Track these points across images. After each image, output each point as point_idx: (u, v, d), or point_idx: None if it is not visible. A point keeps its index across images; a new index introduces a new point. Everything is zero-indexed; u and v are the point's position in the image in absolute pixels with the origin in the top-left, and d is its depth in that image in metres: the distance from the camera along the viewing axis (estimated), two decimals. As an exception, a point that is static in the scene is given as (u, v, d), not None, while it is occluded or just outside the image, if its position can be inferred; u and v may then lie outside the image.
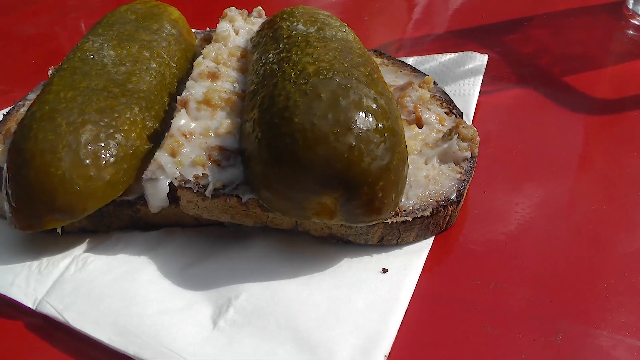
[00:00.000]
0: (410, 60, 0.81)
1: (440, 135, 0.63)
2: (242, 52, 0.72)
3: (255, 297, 0.51)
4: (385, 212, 0.51)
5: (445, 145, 0.60)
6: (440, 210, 0.56)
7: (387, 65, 0.76)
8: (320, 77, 0.52)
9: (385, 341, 0.48)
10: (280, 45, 0.61)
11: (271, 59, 0.59)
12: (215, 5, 1.08)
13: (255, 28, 0.78)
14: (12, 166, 0.57)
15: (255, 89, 0.57)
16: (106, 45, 0.68)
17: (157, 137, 0.63)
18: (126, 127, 0.59)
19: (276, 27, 0.67)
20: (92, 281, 0.54)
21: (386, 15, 1.01)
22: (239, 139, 0.57)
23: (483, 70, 0.77)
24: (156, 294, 0.52)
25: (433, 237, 0.58)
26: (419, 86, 0.69)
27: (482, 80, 0.77)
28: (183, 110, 0.59)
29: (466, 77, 0.77)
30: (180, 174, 0.54)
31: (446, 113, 0.67)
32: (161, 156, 0.55)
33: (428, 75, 0.72)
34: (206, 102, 0.60)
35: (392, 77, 0.73)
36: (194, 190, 0.54)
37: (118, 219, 0.60)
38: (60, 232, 0.57)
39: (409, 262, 0.55)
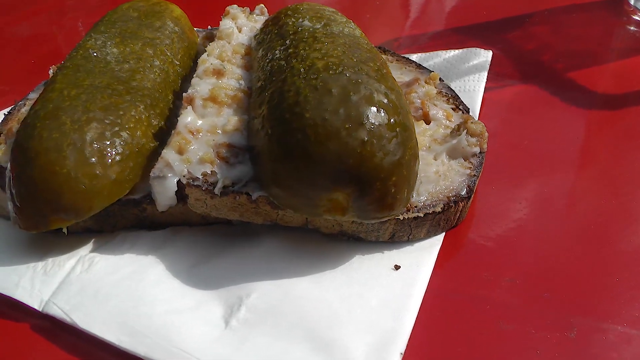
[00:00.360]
0: (414, 57, 0.80)
1: (448, 131, 0.63)
2: (246, 50, 0.71)
3: (267, 295, 0.50)
4: (397, 208, 0.51)
5: (454, 141, 0.60)
6: (452, 206, 0.56)
7: (391, 62, 0.75)
8: (330, 72, 0.51)
9: (401, 339, 0.47)
10: (287, 42, 0.60)
11: (278, 55, 0.59)
12: (214, 4, 1.07)
13: (258, 25, 0.77)
14: (15, 165, 0.56)
15: (263, 85, 0.56)
16: (109, 42, 0.67)
17: (162, 135, 0.62)
18: (131, 125, 0.58)
19: (281, 24, 0.66)
20: (99, 281, 0.53)
21: (387, 13, 1.01)
22: (247, 136, 0.56)
23: (487, 66, 0.77)
24: (165, 293, 0.52)
25: (444, 233, 0.58)
26: (425, 82, 0.68)
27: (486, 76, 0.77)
28: (189, 107, 0.58)
29: (471, 73, 0.76)
30: (189, 172, 0.54)
31: (453, 109, 0.67)
32: (168, 154, 0.54)
33: (433, 71, 0.72)
34: (212, 99, 0.60)
35: (397, 74, 0.72)
36: (203, 188, 0.53)
37: (124, 218, 0.59)
38: (65, 232, 0.56)
39: (421, 258, 0.54)
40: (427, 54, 0.81)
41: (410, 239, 0.56)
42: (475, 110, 0.72)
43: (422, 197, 0.55)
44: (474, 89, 0.74)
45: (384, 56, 0.77)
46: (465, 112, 0.67)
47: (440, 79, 0.70)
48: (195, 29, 0.82)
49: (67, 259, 0.57)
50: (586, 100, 0.75)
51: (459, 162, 0.60)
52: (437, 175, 0.57)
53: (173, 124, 0.65)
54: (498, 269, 0.55)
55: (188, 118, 0.57)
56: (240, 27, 0.76)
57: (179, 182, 0.54)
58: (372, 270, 0.52)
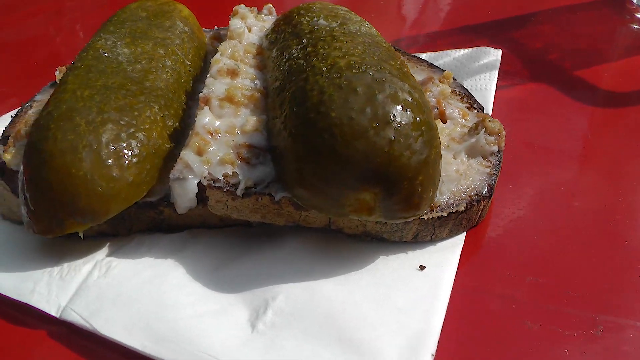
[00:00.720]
0: (423, 56, 0.80)
1: (465, 129, 0.62)
2: (258, 49, 0.70)
3: (294, 298, 0.49)
4: (423, 207, 0.50)
5: (473, 140, 0.60)
6: (474, 205, 0.55)
7: (402, 61, 0.75)
8: (354, 70, 0.50)
9: (431, 340, 0.47)
10: (304, 41, 0.59)
11: (295, 54, 0.58)
12: (217, 4, 1.07)
13: (267, 25, 0.77)
14: (29, 168, 0.54)
15: (282, 85, 0.55)
16: (119, 43, 0.65)
17: (177, 136, 0.61)
18: (147, 126, 0.57)
19: (295, 23, 0.65)
20: (118, 286, 0.52)
21: (392, 12, 1.00)
22: (266, 136, 0.55)
23: (498, 65, 0.77)
24: (187, 297, 0.50)
25: (465, 233, 0.57)
26: (439, 81, 0.68)
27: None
28: (206, 107, 0.57)
29: (482, 72, 0.76)
30: (209, 173, 0.53)
31: (467, 107, 0.66)
32: (188, 155, 0.53)
33: (445, 70, 0.71)
34: (229, 99, 0.59)
35: (409, 73, 0.72)
36: (225, 190, 0.52)
37: (140, 221, 0.58)
38: (82, 237, 0.55)
39: (445, 258, 0.54)
40: (437, 53, 0.81)
41: (433, 239, 0.56)
42: (488, 108, 0.72)
43: (444, 197, 0.55)
44: (485, 88, 0.74)
45: (395, 55, 0.76)
46: (479, 110, 0.66)
47: (453, 77, 0.70)
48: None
49: (83, 263, 0.55)
50: (595, 98, 0.75)
51: (478, 161, 0.59)
52: (458, 174, 0.57)
53: (187, 124, 0.64)
54: (520, 268, 0.55)
55: (206, 118, 0.56)
56: (250, 27, 0.75)
57: (199, 183, 0.52)
58: (398, 271, 0.52)
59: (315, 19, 0.63)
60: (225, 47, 0.68)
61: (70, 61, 0.85)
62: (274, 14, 0.81)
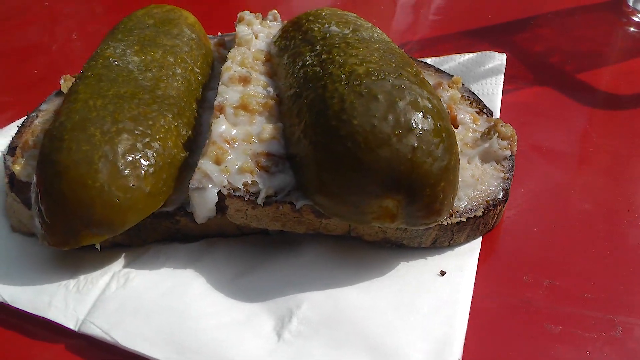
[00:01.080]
0: (428, 61, 0.80)
1: (477, 134, 0.63)
2: (266, 56, 0.70)
3: (318, 306, 0.49)
4: (444, 213, 0.50)
5: (486, 145, 0.60)
6: (491, 210, 0.56)
7: (409, 66, 0.75)
8: (373, 78, 0.51)
9: (456, 345, 0.47)
10: (317, 47, 0.59)
11: (310, 61, 0.58)
12: (217, 10, 1.06)
13: (273, 31, 0.76)
14: (43, 180, 0.53)
15: (298, 92, 0.55)
16: (128, 51, 0.65)
17: (191, 145, 0.60)
18: (162, 135, 0.56)
19: (305, 29, 0.65)
20: (138, 298, 0.52)
21: (393, 17, 1.01)
22: (284, 144, 0.55)
23: (503, 69, 0.78)
24: (210, 307, 0.50)
25: (481, 237, 0.58)
26: (449, 86, 0.68)
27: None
28: (222, 116, 0.57)
29: (487, 76, 0.77)
30: (229, 182, 0.52)
31: (477, 112, 0.67)
32: (206, 164, 0.53)
33: (453, 75, 0.72)
34: (243, 107, 0.58)
35: (417, 78, 0.72)
36: (245, 199, 0.52)
37: (155, 231, 0.57)
38: (99, 248, 0.54)
39: (464, 263, 0.54)
40: (442, 57, 0.81)
41: (451, 244, 0.56)
42: (496, 113, 0.72)
43: (462, 202, 0.55)
44: (492, 92, 0.74)
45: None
46: (489, 115, 0.67)
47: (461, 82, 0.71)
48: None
49: (99, 275, 0.54)
50: (599, 101, 0.77)
51: (492, 166, 0.60)
52: (474, 179, 0.57)
53: (200, 133, 0.64)
54: (536, 271, 0.55)
55: (222, 127, 0.56)
56: (257, 33, 0.75)
57: (218, 193, 0.52)
58: (419, 277, 0.52)
59: (327, 25, 0.63)
60: (234, 54, 0.68)
61: (69, 69, 0.85)
62: (279, 20, 0.81)
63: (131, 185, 0.52)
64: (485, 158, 0.60)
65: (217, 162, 0.53)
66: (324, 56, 0.57)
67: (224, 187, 0.52)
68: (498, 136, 0.61)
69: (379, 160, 0.47)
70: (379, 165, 0.47)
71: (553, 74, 0.81)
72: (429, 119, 0.49)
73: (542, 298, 0.53)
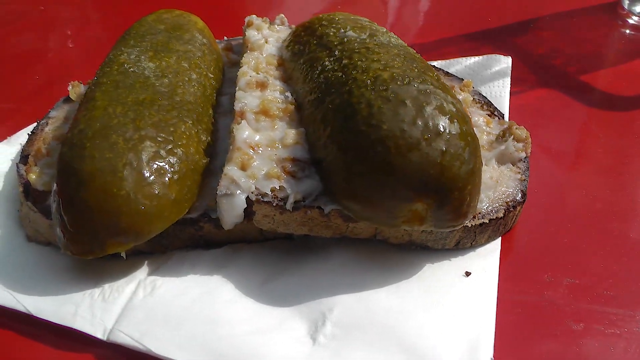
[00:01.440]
0: (435, 65, 0.81)
1: (490, 137, 0.64)
2: (279, 61, 0.70)
3: (350, 309, 0.50)
4: (469, 215, 0.51)
5: (503, 147, 0.61)
6: (511, 211, 0.57)
7: (418, 70, 0.76)
8: (398, 83, 0.51)
9: (488, 345, 0.48)
10: (336, 52, 0.60)
11: (330, 66, 0.58)
12: (220, 14, 1.06)
13: (282, 35, 0.77)
14: (66, 188, 0.53)
15: (320, 98, 0.56)
16: (143, 57, 0.64)
17: (210, 151, 0.60)
18: (184, 142, 0.56)
19: (320, 34, 0.66)
20: (167, 305, 0.51)
21: (393, 21, 1.02)
22: (307, 149, 0.55)
23: (509, 71, 0.79)
24: (241, 313, 0.50)
25: (500, 238, 0.59)
26: (460, 89, 0.69)
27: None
28: (244, 121, 0.57)
29: (494, 79, 0.78)
30: (256, 188, 0.52)
31: (489, 115, 0.68)
32: (232, 170, 0.53)
33: (462, 78, 0.73)
34: (264, 112, 0.59)
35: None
36: (274, 204, 0.52)
37: (178, 238, 0.57)
38: (124, 257, 0.54)
39: (487, 263, 0.55)
40: (448, 61, 0.83)
41: (473, 245, 0.57)
42: (505, 116, 0.73)
43: (484, 204, 0.56)
44: (500, 95, 0.76)
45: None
46: (500, 117, 0.68)
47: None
48: (213, 40, 0.81)
49: (125, 283, 0.54)
50: (604, 101, 0.78)
51: (508, 168, 0.61)
52: (493, 181, 0.58)
53: (217, 139, 0.64)
54: (556, 270, 0.57)
55: (245, 133, 0.56)
56: (266, 38, 0.75)
57: (246, 198, 0.52)
58: (445, 278, 0.53)
59: (342, 30, 0.64)
60: (248, 59, 0.68)
61: (71, 75, 0.84)
62: (287, 24, 0.81)
63: (157, 192, 0.52)
64: (502, 160, 0.61)
65: (243, 168, 0.53)
66: (344, 61, 0.57)
67: (252, 192, 0.52)
68: (513, 138, 0.62)
69: (410, 165, 0.47)
70: (410, 169, 0.47)
71: (557, 75, 0.83)
72: (456, 123, 0.50)
73: (563, 296, 0.54)
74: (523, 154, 0.62)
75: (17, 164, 0.64)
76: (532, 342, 0.51)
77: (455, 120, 0.50)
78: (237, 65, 0.78)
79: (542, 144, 0.71)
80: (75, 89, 0.73)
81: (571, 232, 0.60)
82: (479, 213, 0.55)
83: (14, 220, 0.63)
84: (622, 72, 0.84)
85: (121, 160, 0.52)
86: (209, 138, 0.61)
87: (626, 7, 0.97)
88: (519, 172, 0.61)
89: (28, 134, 0.69)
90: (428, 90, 0.51)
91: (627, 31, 0.94)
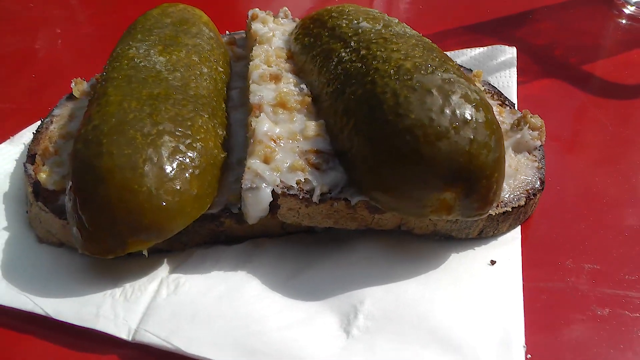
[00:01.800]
0: (440, 56, 0.81)
1: (505, 126, 0.64)
2: (287, 53, 0.69)
3: (381, 301, 0.49)
4: (494, 204, 0.51)
5: (519, 136, 0.62)
6: (531, 199, 0.57)
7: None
8: (422, 72, 0.51)
9: (519, 332, 0.48)
10: (351, 44, 0.59)
11: (347, 57, 0.58)
12: (219, 8, 1.04)
13: (287, 28, 0.76)
14: (83, 187, 0.51)
15: (340, 89, 0.55)
16: (152, 51, 0.63)
17: (226, 146, 0.59)
18: (202, 136, 0.55)
19: (331, 26, 0.65)
20: (193, 303, 0.50)
21: (391, 14, 1.02)
22: (329, 141, 0.55)
23: (515, 62, 0.80)
24: (270, 308, 0.49)
25: (519, 226, 0.59)
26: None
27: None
28: (263, 114, 0.56)
29: (501, 69, 0.79)
30: (281, 181, 0.51)
31: (499, 105, 0.68)
32: (255, 163, 0.52)
33: (470, 69, 0.73)
34: (281, 104, 0.58)
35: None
36: (300, 197, 0.51)
37: (197, 234, 0.56)
38: (146, 255, 0.53)
39: (509, 252, 0.55)
40: (453, 52, 0.83)
41: (495, 234, 0.57)
42: (515, 105, 0.74)
43: (505, 192, 0.56)
44: (507, 85, 0.76)
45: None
46: (511, 107, 0.68)
47: (481, 76, 0.72)
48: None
49: (146, 282, 0.53)
50: (608, 91, 0.79)
51: (525, 156, 0.61)
52: (513, 170, 0.58)
53: (232, 132, 0.63)
54: (576, 256, 0.57)
55: (265, 125, 0.55)
56: (272, 31, 0.74)
57: (272, 192, 0.51)
58: (472, 268, 0.53)
59: (355, 21, 0.63)
60: (258, 52, 0.67)
61: (68, 72, 0.82)
62: (290, 17, 0.80)
63: (178, 188, 0.51)
64: (518, 149, 0.62)
65: (266, 161, 0.52)
66: (362, 52, 0.57)
67: (277, 185, 0.51)
68: (528, 127, 0.62)
69: (440, 153, 0.47)
70: (440, 158, 0.47)
71: (559, 66, 0.84)
72: (481, 111, 0.50)
73: (585, 282, 0.55)
74: (538, 142, 0.62)
75: (24, 163, 0.62)
76: (560, 329, 0.51)
77: (481, 108, 0.50)
78: (242, 59, 0.78)
79: (550, 132, 0.71)
80: (79, 86, 0.71)
81: (587, 219, 0.61)
82: (502, 202, 0.55)
83: (23, 221, 0.61)
84: (622, 61, 0.85)
85: (141, 156, 0.51)
86: (225, 132, 0.60)
87: (621, -4, 0.98)
88: (536, 160, 0.61)
89: (33, 132, 0.67)
90: (452, 79, 0.51)
91: (623, 21, 0.96)
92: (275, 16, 0.80)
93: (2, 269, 0.56)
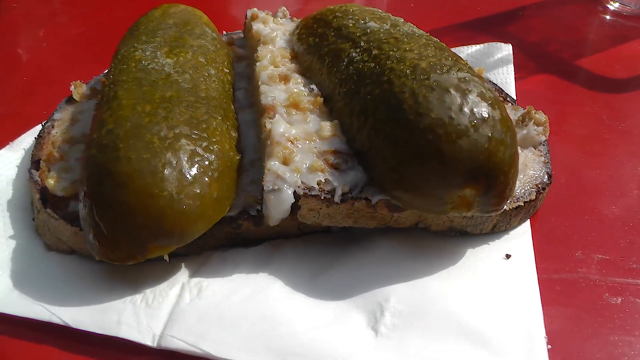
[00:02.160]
0: (438, 53, 0.82)
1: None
2: (291, 53, 0.69)
3: (406, 298, 0.50)
4: (509, 199, 0.53)
5: (524, 132, 0.63)
6: (541, 193, 0.58)
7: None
8: (438, 71, 0.52)
9: (540, 323, 0.49)
10: (361, 44, 0.60)
11: (358, 57, 0.58)
12: (214, 9, 1.03)
13: (288, 28, 0.76)
14: (101, 192, 0.50)
15: (354, 89, 0.55)
16: (158, 52, 0.62)
17: (238, 147, 0.59)
18: (218, 138, 0.55)
19: (337, 26, 0.65)
20: (218, 306, 0.50)
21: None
22: (345, 141, 0.55)
23: (512, 58, 0.81)
24: (297, 309, 0.49)
25: (529, 220, 0.60)
26: (473, 77, 0.70)
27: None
28: (278, 115, 0.56)
29: (498, 66, 0.80)
30: (302, 182, 0.52)
31: (501, 101, 0.69)
32: (275, 165, 0.52)
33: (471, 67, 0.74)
34: (294, 105, 0.58)
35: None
36: (321, 197, 0.51)
37: (214, 238, 0.56)
38: (167, 260, 0.52)
39: (522, 245, 0.56)
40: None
41: (507, 228, 0.58)
42: (515, 101, 0.75)
43: (517, 188, 0.57)
44: (506, 81, 0.78)
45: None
46: (513, 103, 0.70)
47: (481, 73, 0.73)
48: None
49: (167, 287, 0.52)
50: (602, 85, 0.81)
51: (531, 151, 0.63)
52: (523, 165, 0.59)
53: (242, 134, 0.62)
54: (585, 247, 0.59)
55: (281, 127, 0.55)
56: (275, 31, 0.74)
57: (294, 193, 0.51)
58: (488, 262, 0.54)
59: (362, 21, 0.64)
60: (264, 53, 0.67)
61: (59, 74, 0.80)
62: (288, 16, 0.80)
63: (198, 191, 0.51)
64: (524, 144, 0.63)
65: (285, 162, 0.52)
66: (374, 52, 0.57)
67: (299, 187, 0.51)
68: (533, 123, 0.64)
69: (461, 151, 0.48)
70: (461, 156, 0.48)
71: (553, 62, 0.86)
72: (497, 109, 0.51)
73: (596, 272, 0.56)
74: (543, 138, 0.63)
75: (29, 170, 0.61)
76: (576, 319, 0.52)
77: (496, 106, 0.51)
78: (243, 59, 0.77)
79: (550, 127, 0.73)
80: (78, 89, 0.70)
81: (592, 210, 0.63)
82: (514, 196, 0.57)
83: (29, 229, 0.60)
84: (612, 56, 0.88)
85: (160, 160, 0.50)
86: (236, 134, 0.60)
87: (606, -8, 1.01)
88: (541, 155, 0.62)
89: (35, 137, 0.65)
90: (467, 78, 0.52)
91: (608, 17, 0.98)
92: (274, 16, 0.79)
93: (13, 279, 0.55)
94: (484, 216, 0.54)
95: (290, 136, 0.54)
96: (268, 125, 0.55)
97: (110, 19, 0.99)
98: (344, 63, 0.59)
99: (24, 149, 0.68)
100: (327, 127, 0.56)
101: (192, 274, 0.54)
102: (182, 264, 0.55)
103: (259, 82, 0.62)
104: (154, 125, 0.53)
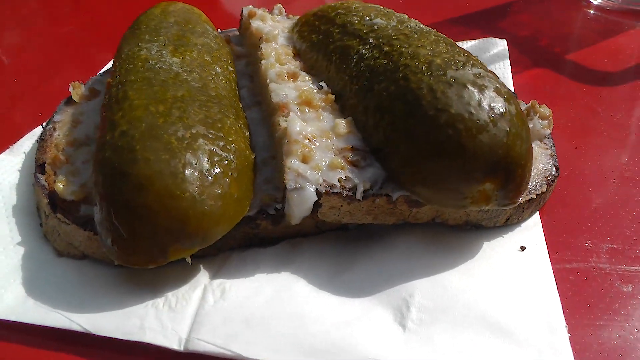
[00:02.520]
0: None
1: (512, 116, 0.66)
2: (294, 51, 0.69)
3: (430, 293, 0.50)
4: (525, 191, 0.54)
5: (530, 125, 0.64)
6: (550, 185, 0.60)
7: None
8: (453, 67, 0.52)
9: (559, 313, 0.50)
10: (370, 40, 0.60)
11: (368, 54, 0.58)
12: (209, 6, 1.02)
13: (286, 25, 0.76)
14: (118, 195, 0.49)
15: (367, 85, 0.56)
16: (164, 52, 0.61)
17: (251, 146, 0.58)
18: (233, 137, 0.54)
19: (341, 23, 0.65)
20: (244, 307, 0.50)
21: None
22: (361, 137, 0.55)
23: (507, 53, 0.83)
24: (323, 307, 0.49)
25: (538, 212, 0.62)
26: (475, 72, 0.71)
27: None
28: (292, 113, 0.56)
29: (494, 61, 0.81)
30: (324, 180, 0.52)
31: (503, 95, 0.71)
32: (295, 164, 0.52)
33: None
34: (306, 103, 0.58)
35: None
36: (343, 195, 0.51)
37: (232, 238, 0.55)
38: (190, 262, 0.51)
39: (534, 237, 0.58)
40: (446, 45, 0.85)
41: (519, 221, 0.59)
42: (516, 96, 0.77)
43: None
44: (503, 76, 0.79)
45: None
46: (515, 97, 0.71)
47: (481, 68, 0.74)
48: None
49: (189, 290, 0.52)
50: (595, 78, 0.84)
51: (537, 144, 0.64)
52: (534, 159, 0.60)
53: (252, 133, 0.62)
54: (593, 237, 0.60)
55: (297, 125, 0.55)
56: (275, 29, 0.73)
57: (316, 191, 0.51)
58: (505, 254, 0.55)
59: (367, 18, 0.64)
60: (268, 50, 0.66)
61: (51, 74, 0.78)
62: (284, 14, 0.80)
63: (220, 192, 0.50)
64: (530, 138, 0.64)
65: (304, 160, 0.52)
66: (385, 48, 0.57)
67: (320, 185, 0.51)
68: (538, 116, 0.65)
69: (481, 146, 0.49)
70: (481, 150, 0.49)
71: (545, 56, 0.88)
72: (512, 104, 0.51)
73: (606, 261, 0.58)
74: (548, 131, 0.65)
75: (34, 174, 0.59)
76: (592, 307, 0.54)
77: (512, 101, 0.52)
78: (241, 57, 0.77)
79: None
80: (77, 90, 0.68)
81: (596, 201, 0.64)
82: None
83: (37, 235, 0.59)
84: (600, 49, 0.90)
85: (180, 161, 0.50)
86: (248, 132, 0.59)
87: (588, -12, 1.03)
88: (547, 148, 0.64)
89: (36, 140, 0.63)
90: (481, 74, 0.52)
91: (592, 11, 1.01)
92: (271, 13, 0.79)
93: (25, 287, 0.53)
94: (499, 209, 0.55)
95: (307, 134, 0.54)
96: (283, 124, 0.55)
97: (93, 19, 0.97)
98: (354, 60, 0.59)
99: (25, 152, 0.66)
100: (342, 124, 0.56)
101: (213, 276, 0.53)
102: (201, 266, 0.55)
103: (267, 80, 0.61)
104: (169, 126, 0.52)
